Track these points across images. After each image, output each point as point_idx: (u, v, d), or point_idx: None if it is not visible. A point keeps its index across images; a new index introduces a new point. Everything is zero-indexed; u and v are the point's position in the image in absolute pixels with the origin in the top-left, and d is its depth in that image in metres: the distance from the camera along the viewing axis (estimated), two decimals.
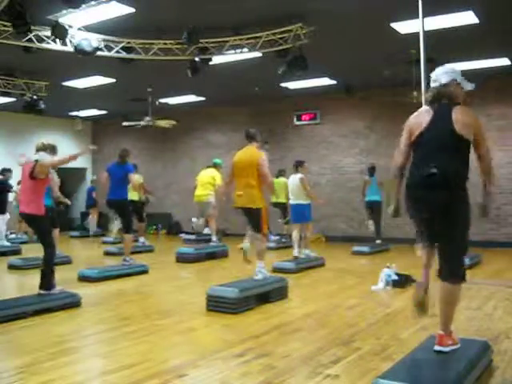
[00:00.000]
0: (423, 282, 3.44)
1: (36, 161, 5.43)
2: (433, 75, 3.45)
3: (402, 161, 3.38)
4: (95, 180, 15.14)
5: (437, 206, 3.17)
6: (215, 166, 10.09)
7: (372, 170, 10.83)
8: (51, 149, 5.79)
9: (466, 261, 8.04)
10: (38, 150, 5.60)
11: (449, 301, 3.30)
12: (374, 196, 10.59)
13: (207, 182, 9.79)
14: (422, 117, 3.33)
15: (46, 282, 5.47)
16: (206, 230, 10.47)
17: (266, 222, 5.92)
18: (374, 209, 10.66)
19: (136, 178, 10.84)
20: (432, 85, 3.43)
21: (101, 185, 8.54)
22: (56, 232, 9.00)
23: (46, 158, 5.52)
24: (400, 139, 3.41)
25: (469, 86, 3.50)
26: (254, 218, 5.82)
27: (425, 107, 3.43)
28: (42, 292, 5.43)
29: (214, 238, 9.97)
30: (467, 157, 3.20)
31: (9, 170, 10.87)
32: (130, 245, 8.12)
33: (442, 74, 3.39)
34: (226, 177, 5.89)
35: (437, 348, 3.31)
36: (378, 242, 10.63)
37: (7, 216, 10.87)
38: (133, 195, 10.43)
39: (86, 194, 14.84)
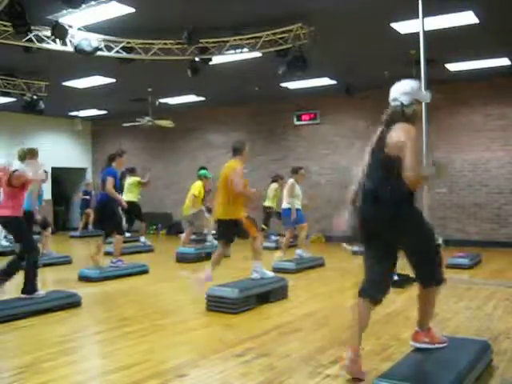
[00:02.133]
0: None
1: (15, 170, 5.45)
2: (393, 93, 3.38)
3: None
4: (88, 183, 15.16)
5: (378, 221, 3.24)
6: (199, 177, 10.03)
7: None
8: (31, 154, 5.83)
9: (466, 261, 8.09)
10: (19, 158, 5.75)
11: (424, 301, 3.39)
12: None
13: (189, 195, 9.82)
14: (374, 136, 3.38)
15: (29, 286, 5.42)
16: (205, 231, 10.49)
17: (251, 225, 6.03)
18: None
19: (133, 180, 10.96)
20: (391, 103, 3.37)
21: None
22: (48, 232, 9.03)
23: (23, 170, 5.53)
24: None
25: (427, 98, 3.49)
26: (238, 227, 5.94)
27: (380, 128, 3.38)
28: (23, 296, 5.37)
29: (208, 237, 10.14)
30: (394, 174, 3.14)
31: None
32: (119, 246, 7.95)
33: (403, 94, 3.31)
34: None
35: (411, 343, 3.49)
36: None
37: None
38: (129, 196, 10.45)
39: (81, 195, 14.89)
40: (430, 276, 3.30)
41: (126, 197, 10.11)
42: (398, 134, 3.15)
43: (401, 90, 3.33)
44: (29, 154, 5.84)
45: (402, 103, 3.28)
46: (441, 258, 3.33)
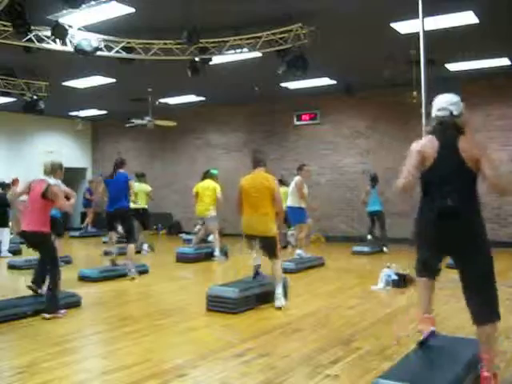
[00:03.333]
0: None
1: (49, 185, 5.32)
2: (440, 103, 3.28)
3: (414, 180, 3.20)
4: (91, 181, 15.15)
5: (456, 236, 3.08)
6: (212, 176, 9.77)
7: (374, 181, 10.61)
8: (60, 168, 5.63)
9: None
10: (46, 173, 5.46)
11: (484, 341, 3.10)
12: (374, 206, 10.50)
13: (207, 195, 9.46)
14: (430, 146, 3.16)
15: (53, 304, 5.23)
16: (211, 238, 9.98)
17: (279, 245, 5.83)
18: (376, 219, 10.61)
19: (143, 186, 10.72)
20: (438, 114, 3.26)
21: (98, 195, 8.32)
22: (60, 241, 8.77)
23: (58, 186, 5.43)
24: (407, 161, 3.21)
25: (467, 115, 3.36)
26: (269, 245, 5.65)
27: (429, 136, 3.23)
28: (46, 316, 5.14)
29: (216, 253, 9.49)
30: (476, 185, 3.11)
31: (7, 185, 10.75)
32: (132, 255, 7.75)
33: (452, 105, 3.23)
34: (237, 201, 5.73)
35: None
36: (386, 250, 10.32)
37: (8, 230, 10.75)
38: (142, 203, 10.31)
39: (82, 195, 14.88)
40: (487, 309, 3.13)
41: (140, 203, 10.03)
42: (470, 145, 3.08)
43: (451, 101, 3.26)
44: (59, 170, 5.59)
45: (451, 113, 3.22)
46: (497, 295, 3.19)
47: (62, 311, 5.25)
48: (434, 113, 3.29)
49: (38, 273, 5.48)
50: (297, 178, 8.78)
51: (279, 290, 5.55)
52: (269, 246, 5.64)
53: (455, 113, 3.21)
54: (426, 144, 3.19)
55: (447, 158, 3.09)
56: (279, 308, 5.42)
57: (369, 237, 10.77)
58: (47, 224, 5.33)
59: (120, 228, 8.19)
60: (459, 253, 3.17)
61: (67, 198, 5.63)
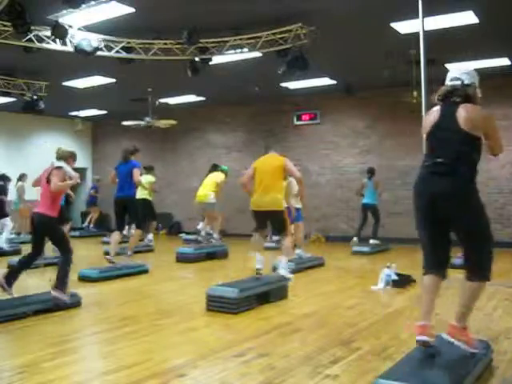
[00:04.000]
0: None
1: (53, 168, 5.47)
2: (453, 73, 3.37)
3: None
4: (99, 179, 15.11)
5: (451, 194, 3.18)
6: (222, 171, 10.06)
7: (370, 173, 10.81)
8: (71, 156, 5.76)
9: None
10: (58, 157, 5.62)
11: (468, 295, 3.30)
12: (368, 199, 10.64)
13: (209, 183, 9.77)
14: (431, 116, 3.37)
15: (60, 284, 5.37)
16: (208, 229, 10.22)
17: (288, 221, 6.28)
18: (368, 211, 10.70)
19: (148, 177, 10.88)
20: (449, 83, 3.35)
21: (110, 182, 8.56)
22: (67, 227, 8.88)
23: (62, 169, 5.53)
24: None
25: (479, 94, 3.42)
26: (278, 219, 6.07)
27: (435, 107, 3.40)
28: (53, 294, 5.30)
29: (215, 236, 9.91)
30: (474, 151, 3.21)
31: (7, 178, 10.88)
32: (136, 239, 8.18)
33: (464, 74, 3.33)
34: (244, 176, 6.23)
35: (444, 336, 3.36)
36: (373, 242, 10.57)
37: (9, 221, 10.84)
38: (145, 194, 10.43)
39: (88, 193, 14.88)
40: (479, 266, 3.27)
41: (142, 194, 10.15)
42: (473, 114, 3.18)
43: (462, 70, 3.36)
44: (70, 158, 5.73)
45: (462, 82, 3.29)
46: (492, 256, 3.33)
47: (66, 297, 5.32)
48: (446, 82, 3.38)
49: (15, 270, 5.50)
50: (290, 179, 8.83)
51: (282, 264, 6.04)
52: (278, 221, 6.07)
53: (466, 82, 3.29)
54: (429, 113, 3.41)
55: (445, 124, 3.24)
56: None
57: (355, 239, 10.72)
58: (54, 209, 5.45)
59: (126, 223, 8.47)
60: (450, 214, 3.24)
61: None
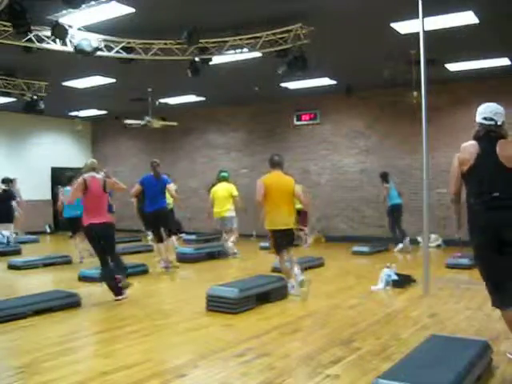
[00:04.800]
0: None
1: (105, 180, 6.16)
2: (485, 112, 3.69)
3: (456, 188, 3.75)
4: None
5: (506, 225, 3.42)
6: (225, 179, 10.00)
7: (386, 177, 10.60)
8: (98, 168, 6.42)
9: (466, 261, 8.09)
10: (89, 169, 6.21)
11: None
12: (397, 199, 10.45)
13: (225, 196, 9.68)
14: (470, 151, 3.63)
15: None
16: (230, 245, 9.93)
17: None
18: (398, 212, 10.46)
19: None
20: (483, 122, 3.66)
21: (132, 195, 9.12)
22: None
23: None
24: (451, 169, 3.76)
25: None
26: (289, 236, 6.37)
27: (471, 142, 3.67)
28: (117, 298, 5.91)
29: (235, 251, 9.78)
30: None
31: (12, 181, 10.96)
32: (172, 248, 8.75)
33: (497, 115, 3.65)
34: (259, 195, 6.28)
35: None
36: (407, 240, 10.21)
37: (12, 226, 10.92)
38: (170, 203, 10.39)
39: None
40: None
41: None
42: (507, 148, 3.51)
43: (496, 110, 3.70)
44: (97, 168, 6.40)
45: (496, 123, 3.64)
46: None
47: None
48: (480, 120, 3.69)
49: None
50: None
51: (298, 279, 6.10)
52: (289, 237, 6.38)
53: (499, 123, 3.65)
54: (465, 149, 3.68)
55: (486, 160, 3.53)
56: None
57: (403, 244, 10.35)
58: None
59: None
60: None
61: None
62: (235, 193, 9.70)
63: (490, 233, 3.44)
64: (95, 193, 5.93)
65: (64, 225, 10.74)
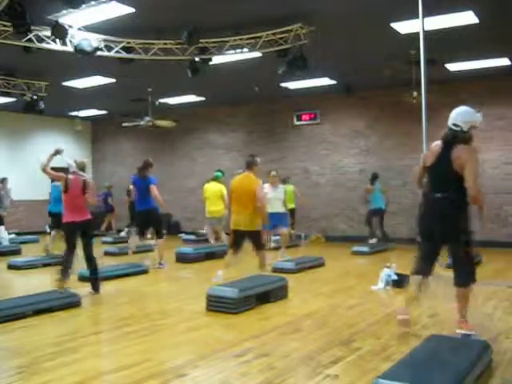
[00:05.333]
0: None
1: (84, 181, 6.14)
2: (456, 119, 4.09)
3: (418, 177, 4.43)
4: (111, 186, 14.91)
5: (439, 216, 4.05)
6: (217, 179, 10.19)
7: (374, 179, 10.98)
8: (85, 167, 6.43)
9: None
10: (80, 169, 6.23)
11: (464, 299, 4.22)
12: (380, 203, 10.84)
13: (217, 196, 9.92)
14: (434, 150, 4.17)
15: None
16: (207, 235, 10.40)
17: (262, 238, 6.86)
18: (379, 216, 10.86)
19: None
20: (452, 127, 4.09)
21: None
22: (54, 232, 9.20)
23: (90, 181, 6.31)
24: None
25: (480, 119, 4.14)
26: (255, 238, 6.63)
27: (438, 142, 4.16)
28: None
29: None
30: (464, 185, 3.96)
31: (3, 180, 11.06)
32: (163, 248, 8.60)
33: (465, 123, 4.04)
34: (228, 197, 6.63)
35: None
36: (373, 241, 10.79)
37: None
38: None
39: (102, 199, 14.64)
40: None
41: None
42: (463, 154, 3.94)
43: (463, 119, 4.07)
44: (85, 168, 6.43)
45: (461, 129, 4.05)
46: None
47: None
48: (450, 125, 4.12)
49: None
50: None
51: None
52: (254, 239, 6.64)
53: (465, 129, 4.05)
54: (432, 148, 4.22)
55: (442, 160, 4.05)
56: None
57: (374, 240, 10.94)
58: None
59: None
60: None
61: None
62: (224, 192, 9.77)
63: (427, 221, 4.20)
64: (74, 191, 6.06)
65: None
